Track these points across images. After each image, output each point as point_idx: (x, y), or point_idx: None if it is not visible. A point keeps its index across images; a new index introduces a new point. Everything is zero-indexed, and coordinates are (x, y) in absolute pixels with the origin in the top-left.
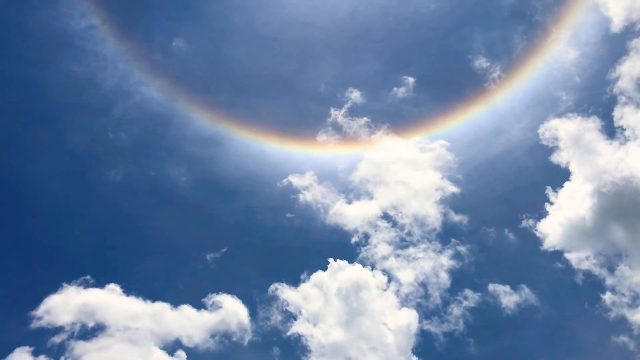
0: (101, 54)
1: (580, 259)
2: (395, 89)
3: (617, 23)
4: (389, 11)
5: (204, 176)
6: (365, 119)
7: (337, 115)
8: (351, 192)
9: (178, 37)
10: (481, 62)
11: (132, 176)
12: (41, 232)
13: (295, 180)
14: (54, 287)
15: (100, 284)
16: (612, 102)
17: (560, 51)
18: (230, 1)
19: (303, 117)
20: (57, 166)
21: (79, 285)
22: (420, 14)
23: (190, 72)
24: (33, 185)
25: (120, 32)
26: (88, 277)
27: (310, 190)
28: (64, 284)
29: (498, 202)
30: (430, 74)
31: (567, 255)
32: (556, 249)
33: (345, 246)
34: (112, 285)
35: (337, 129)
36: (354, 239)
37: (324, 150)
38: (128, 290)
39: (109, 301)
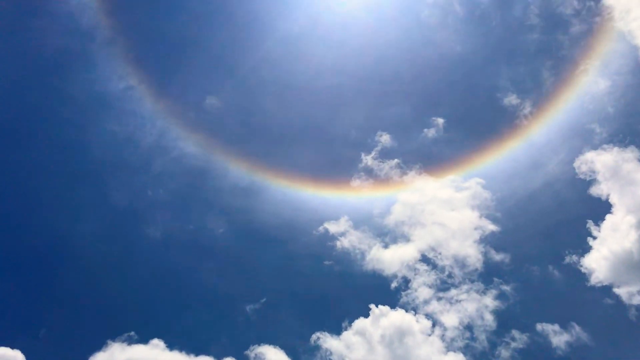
0: (139, 113)
1: (631, 293)
2: (425, 130)
3: None
4: (416, 54)
5: (242, 226)
6: (396, 160)
7: (368, 159)
8: (387, 236)
9: (210, 95)
10: (511, 99)
11: (171, 231)
12: (85, 289)
13: (331, 227)
14: (99, 345)
15: (144, 339)
16: None
17: (590, 83)
18: (260, 56)
19: (336, 162)
20: (99, 224)
21: (123, 341)
22: (446, 55)
23: (224, 126)
24: (77, 243)
25: (156, 91)
26: (132, 333)
27: (347, 236)
28: (109, 341)
29: (539, 239)
30: (460, 114)
31: (617, 291)
32: (604, 284)
33: (385, 291)
34: (155, 341)
35: (369, 172)
36: (393, 284)
37: (358, 195)
38: (171, 345)
39: (154, 357)
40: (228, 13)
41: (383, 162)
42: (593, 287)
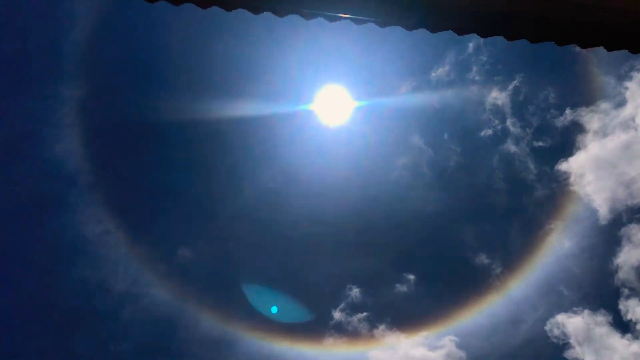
0: (113, 259)
1: None
2: (397, 285)
3: (604, 214)
4: (388, 210)
5: None
6: (365, 313)
7: (338, 313)
8: None
9: (184, 245)
10: (481, 259)
11: None
12: None
13: None
14: None
15: None
16: (617, 294)
17: (556, 245)
18: (237, 208)
19: (308, 315)
20: None
21: None
22: (416, 214)
23: (196, 277)
24: None
25: (132, 237)
26: None
27: None
28: None
29: None
30: (431, 272)
31: None
32: None
33: None
34: None
35: (339, 327)
36: None
37: (329, 351)
38: None
39: None
40: (208, 165)
41: (352, 316)
42: None
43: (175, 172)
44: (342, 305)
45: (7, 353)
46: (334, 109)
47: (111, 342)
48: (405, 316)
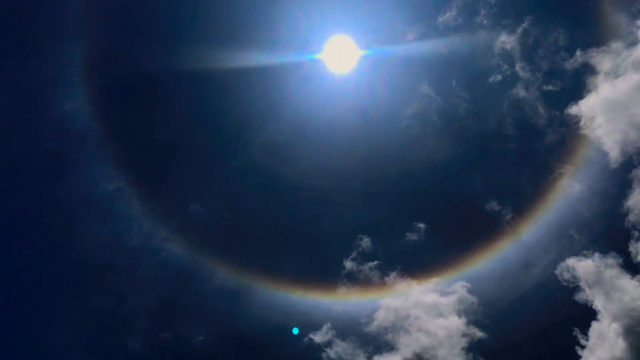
0: (127, 215)
1: None
2: (407, 234)
3: (615, 157)
4: (398, 160)
5: (226, 332)
6: (376, 262)
7: (350, 262)
8: (369, 345)
9: (195, 202)
10: (492, 206)
11: (153, 338)
12: None
13: (316, 337)
14: None
15: None
16: (627, 237)
17: (567, 189)
18: (245, 160)
19: (320, 265)
20: (79, 332)
21: None
22: (426, 163)
23: (209, 231)
24: (55, 354)
25: (144, 193)
26: None
27: (333, 347)
28: None
29: (529, 347)
30: (442, 220)
31: None
32: None
33: None
34: None
35: (351, 276)
36: None
37: (342, 300)
38: None
39: None
40: (215, 118)
41: (363, 265)
42: None
43: (183, 126)
44: (354, 254)
45: (26, 309)
46: (340, 58)
47: (129, 297)
48: (417, 264)
